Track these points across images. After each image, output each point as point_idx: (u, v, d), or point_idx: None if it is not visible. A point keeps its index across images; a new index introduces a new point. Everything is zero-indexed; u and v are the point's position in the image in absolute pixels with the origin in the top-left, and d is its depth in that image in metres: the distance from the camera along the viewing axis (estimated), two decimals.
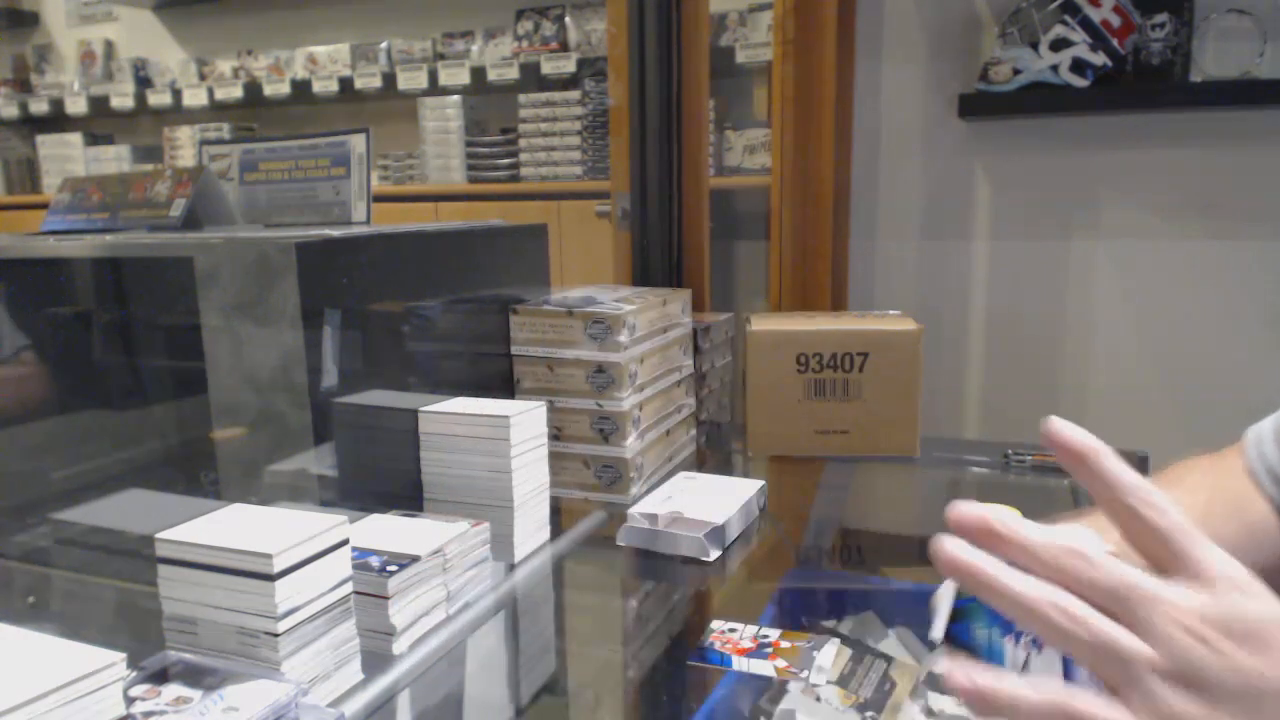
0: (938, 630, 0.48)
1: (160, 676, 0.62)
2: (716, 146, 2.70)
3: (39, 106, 3.91)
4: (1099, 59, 1.92)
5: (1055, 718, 0.40)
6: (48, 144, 3.92)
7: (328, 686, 0.69)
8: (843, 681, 0.75)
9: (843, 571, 1.05)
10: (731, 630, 0.80)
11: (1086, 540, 0.42)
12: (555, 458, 1.11)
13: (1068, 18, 1.93)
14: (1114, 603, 0.40)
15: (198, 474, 1.04)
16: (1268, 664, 0.38)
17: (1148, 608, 0.39)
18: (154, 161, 3.76)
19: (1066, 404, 2.11)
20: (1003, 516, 0.43)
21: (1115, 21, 1.91)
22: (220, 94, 3.53)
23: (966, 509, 0.44)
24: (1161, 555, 0.42)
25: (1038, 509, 0.51)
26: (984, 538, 0.43)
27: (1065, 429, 0.44)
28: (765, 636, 0.79)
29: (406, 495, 0.96)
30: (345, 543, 0.69)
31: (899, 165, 2.24)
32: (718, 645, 0.78)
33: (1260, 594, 0.40)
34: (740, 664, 0.76)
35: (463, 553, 0.84)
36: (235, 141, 1.53)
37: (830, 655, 0.75)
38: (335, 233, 1.04)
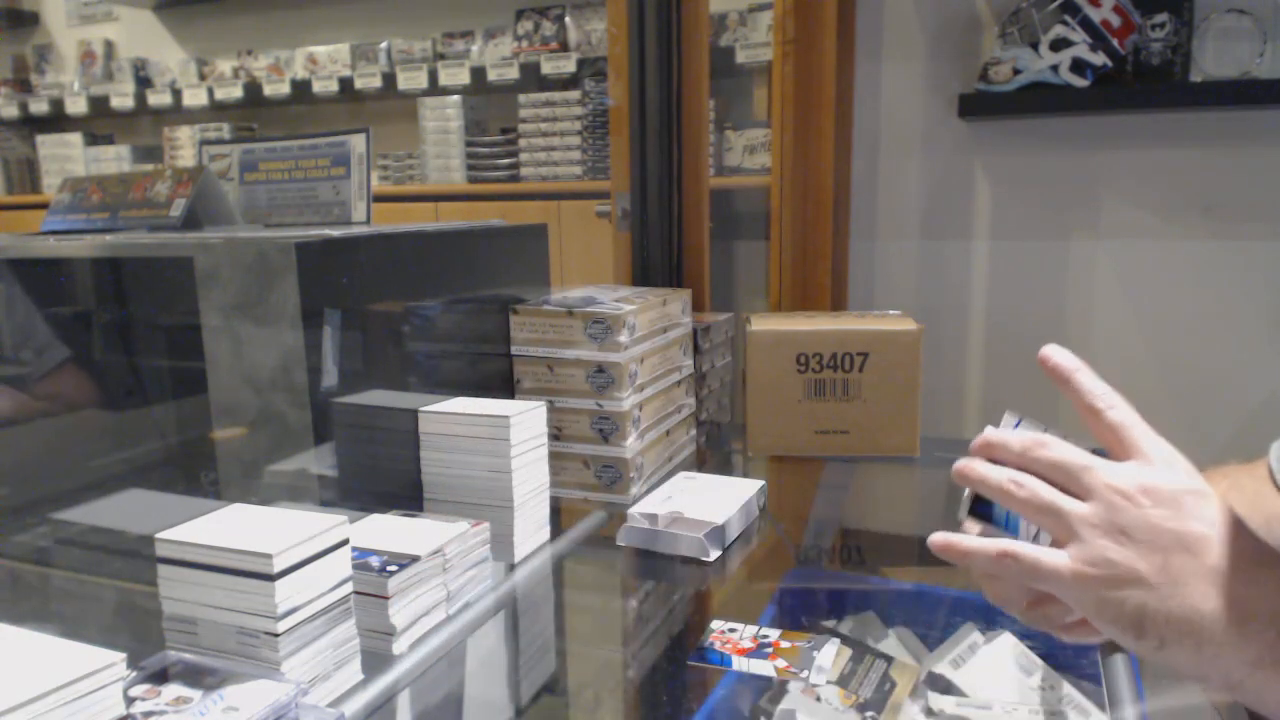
0: (963, 511, 0.60)
1: (160, 676, 0.62)
2: (716, 146, 2.70)
3: (39, 106, 3.91)
4: (1099, 59, 1.92)
5: (1003, 559, 0.53)
6: (48, 144, 3.92)
7: (328, 686, 0.69)
8: (843, 681, 0.75)
9: (843, 571, 1.05)
10: (731, 630, 0.80)
11: (1050, 437, 0.55)
12: (555, 458, 1.11)
13: (1068, 18, 1.93)
14: (1064, 476, 0.53)
15: (198, 474, 1.04)
16: (1173, 519, 0.49)
17: (1088, 476, 0.52)
18: (154, 161, 3.76)
19: (1066, 403, 2.10)
20: (995, 433, 0.57)
21: (1115, 21, 1.90)
22: (220, 94, 3.53)
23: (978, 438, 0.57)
24: (1116, 445, 0.54)
25: None
26: (985, 450, 0.57)
27: (1055, 353, 0.57)
28: (765, 636, 0.79)
29: (406, 495, 0.96)
30: (345, 543, 0.69)
31: (899, 165, 2.24)
32: (718, 645, 0.78)
33: (1185, 471, 0.52)
34: (740, 664, 0.76)
35: (462, 553, 0.84)
36: (235, 141, 1.53)
37: (830, 655, 0.75)
38: (335, 233, 1.04)
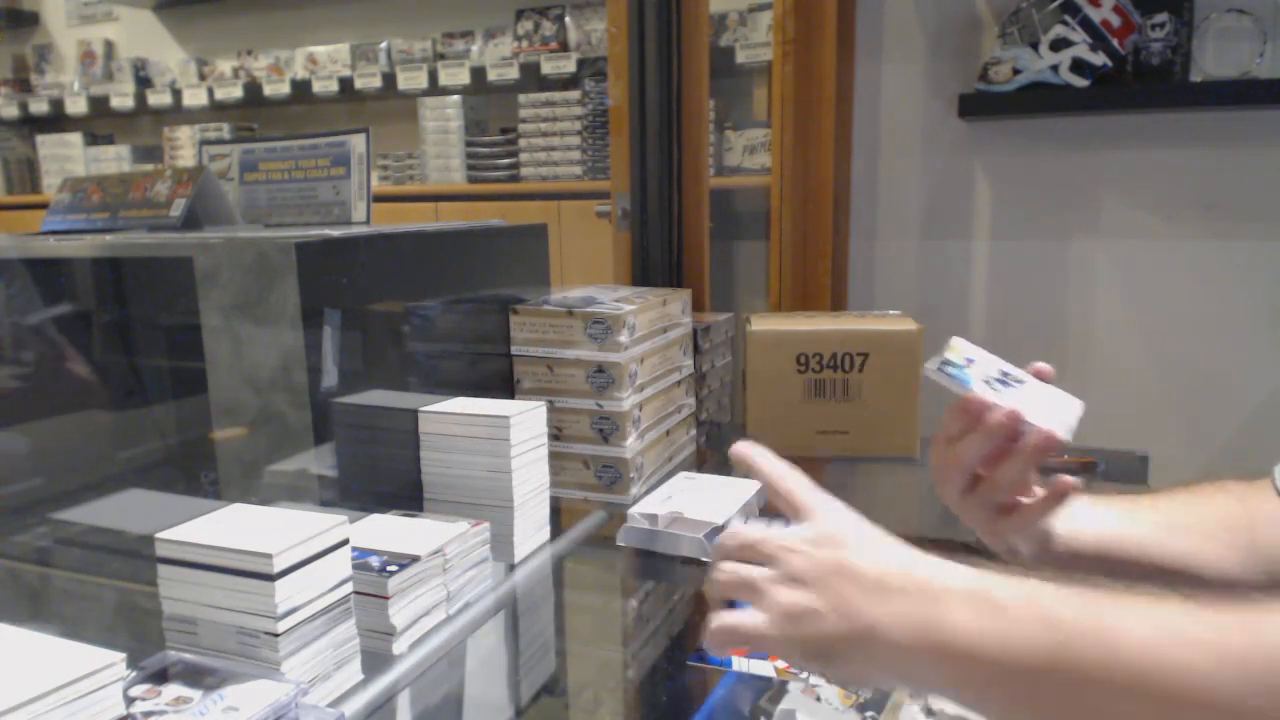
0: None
1: (160, 676, 0.62)
2: (716, 146, 2.70)
3: (39, 106, 3.91)
4: (1099, 59, 1.92)
5: (719, 635, 0.58)
6: (48, 144, 3.92)
7: (328, 686, 0.69)
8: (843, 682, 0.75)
9: None
10: None
11: (739, 525, 0.64)
12: (555, 458, 1.11)
13: (1068, 17, 1.93)
14: (752, 554, 0.58)
15: (198, 474, 1.04)
16: (835, 554, 0.55)
17: (764, 546, 0.58)
18: (154, 161, 3.76)
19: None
20: (718, 541, 0.62)
21: (1115, 21, 1.90)
22: (220, 94, 3.53)
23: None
24: (790, 511, 0.60)
25: None
26: (715, 554, 0.62)
27: (742, 448, 0.64)
28: None
29: (406, 495, 0.96)
30: (345, 543, 0.69)
31: (899, 165, 2.24)
32: None
33: (841, 515, 0.59)
34: (740, 664, 0.76)
35: (463, 553, 0.84)
36: (235, 141, 1.53)
37: None
38: (335, 233, 1.04)
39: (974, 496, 0.71)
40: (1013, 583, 0.51)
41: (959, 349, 0.75)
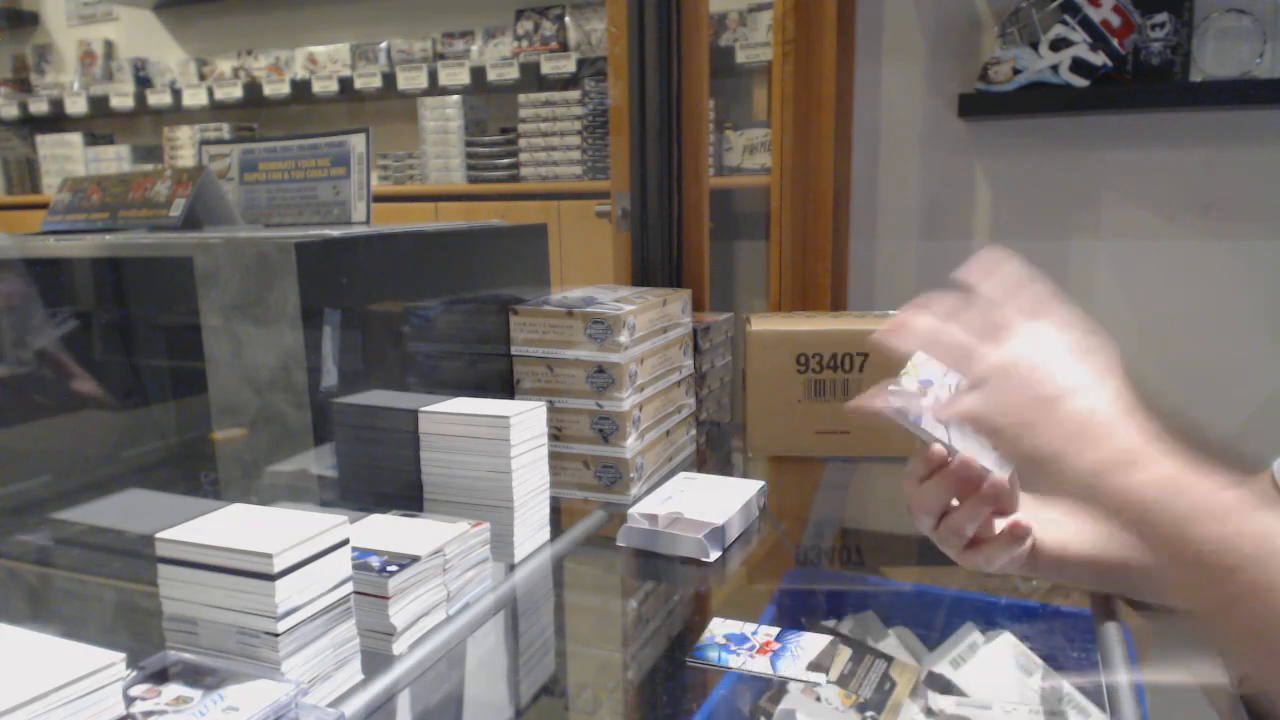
0: None
1: (160, 676, 0.62)
2: (716, 146, 2.70)
3: (39, 106, 3.91)
4: (1099, 59, 1.92)
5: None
6: (48, 144, 3.92)
7: (328, 686, 0.69)
8: (843, 681, 0.75)
9: (843, 571, 1.05)
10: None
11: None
12: (555, 458, 1.11)
13: (1067, 17, 1.93)
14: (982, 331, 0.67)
15: (198, 474, 1.04)
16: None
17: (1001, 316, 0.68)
18: (154, 161, 3.76)
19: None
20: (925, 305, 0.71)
21: (1115, 21, 1.90)
22: (220, 94, 3.53)
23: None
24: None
25: None
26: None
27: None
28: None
29: (406, 495, 0.96)
30: (345, 543, 0.69)
31: (899, 165, 2.24)
32: (718, 645, 0.78)
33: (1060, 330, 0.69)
34: (740, 664, 0.76)
35: (462, 553, 0.84)
36: (235, 141, 1.53)
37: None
38: (335, 233, 1.04)
39: (942, 529, 0.73)
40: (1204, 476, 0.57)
41: (914, 371, 0.77)
